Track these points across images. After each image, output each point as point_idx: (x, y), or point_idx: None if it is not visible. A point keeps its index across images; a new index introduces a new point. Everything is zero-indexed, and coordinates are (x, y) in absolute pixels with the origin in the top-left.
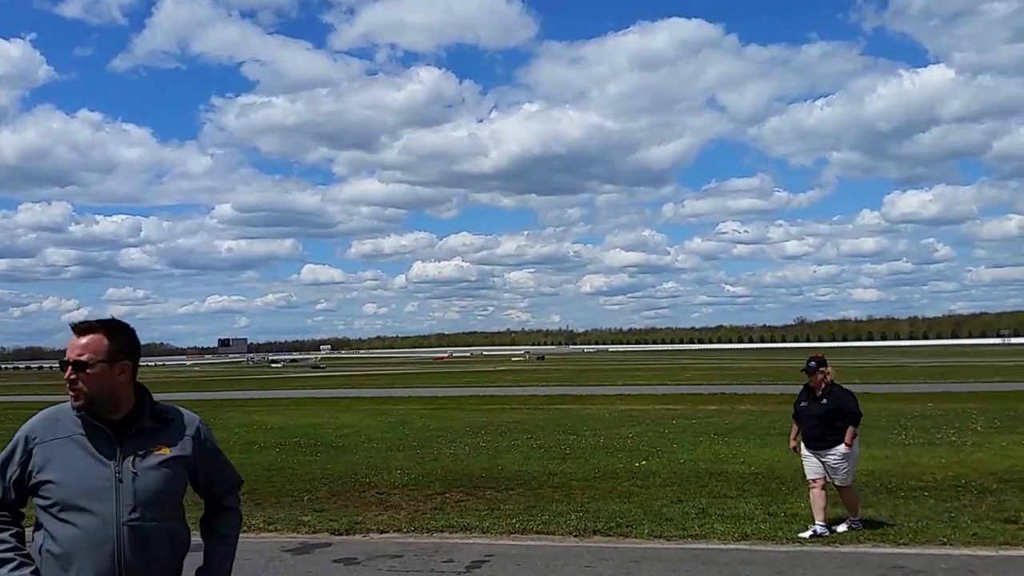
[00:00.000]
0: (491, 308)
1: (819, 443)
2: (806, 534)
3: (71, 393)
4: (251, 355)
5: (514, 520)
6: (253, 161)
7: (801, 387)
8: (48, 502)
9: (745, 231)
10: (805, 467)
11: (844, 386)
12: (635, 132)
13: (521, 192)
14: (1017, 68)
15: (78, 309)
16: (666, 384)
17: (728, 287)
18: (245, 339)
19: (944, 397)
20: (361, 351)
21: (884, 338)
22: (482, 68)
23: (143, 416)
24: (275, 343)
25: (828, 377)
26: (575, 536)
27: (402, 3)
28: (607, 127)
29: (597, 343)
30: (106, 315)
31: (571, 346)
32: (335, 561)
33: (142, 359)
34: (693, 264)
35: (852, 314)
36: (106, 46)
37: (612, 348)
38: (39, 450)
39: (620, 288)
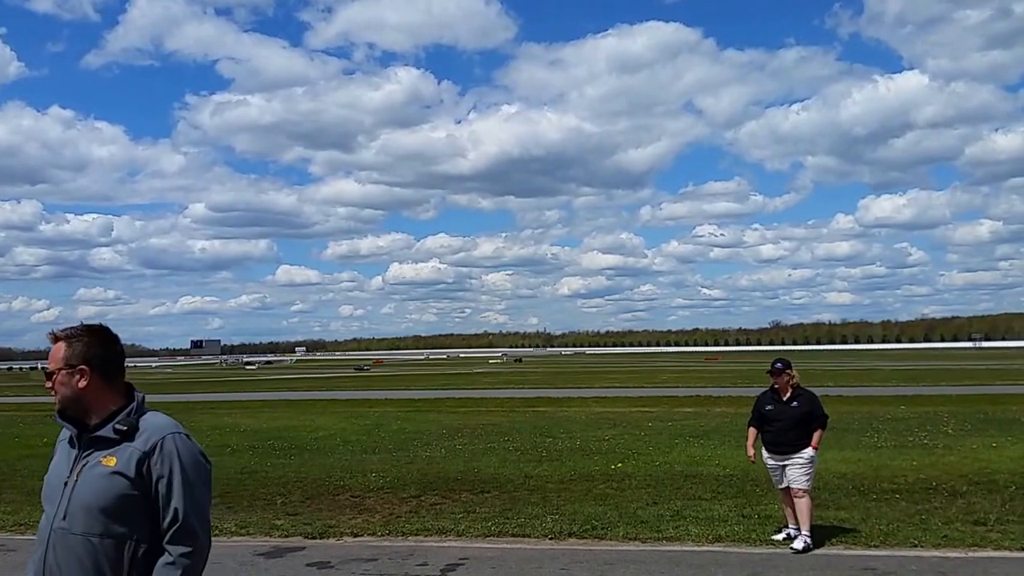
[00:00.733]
0: (468, 310)
1: (788, 447)
2: (779, 536)
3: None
4: (225, 357)
5: (489, 523)
6: (228, 160)
7: (764, 390)
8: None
9: (722, 234)
10: (772, 475)
11: (809, 388)
12: (613, 135)
13: (499, 194)
14: (989, 75)
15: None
16: (642, 387)
17: (705, 290)
18: (218, 340)
19: (916, 400)
20: (337, 353)
21: (857, 341)
22: (461, 69)
23: (107, 424)
24: (249, 345)
25: (794, 379)
26: (550, 539)
27: (380, 2)
28: (585, 129)
29: (574, 345)
30: (76, 315)
31: (548, 348)
32: (308, 565)
33: None
34: (670, 267)
35: (826, 317)
36: (78, 42)
37: (589, 351)
38: (54, 451)
39: (598, 291)
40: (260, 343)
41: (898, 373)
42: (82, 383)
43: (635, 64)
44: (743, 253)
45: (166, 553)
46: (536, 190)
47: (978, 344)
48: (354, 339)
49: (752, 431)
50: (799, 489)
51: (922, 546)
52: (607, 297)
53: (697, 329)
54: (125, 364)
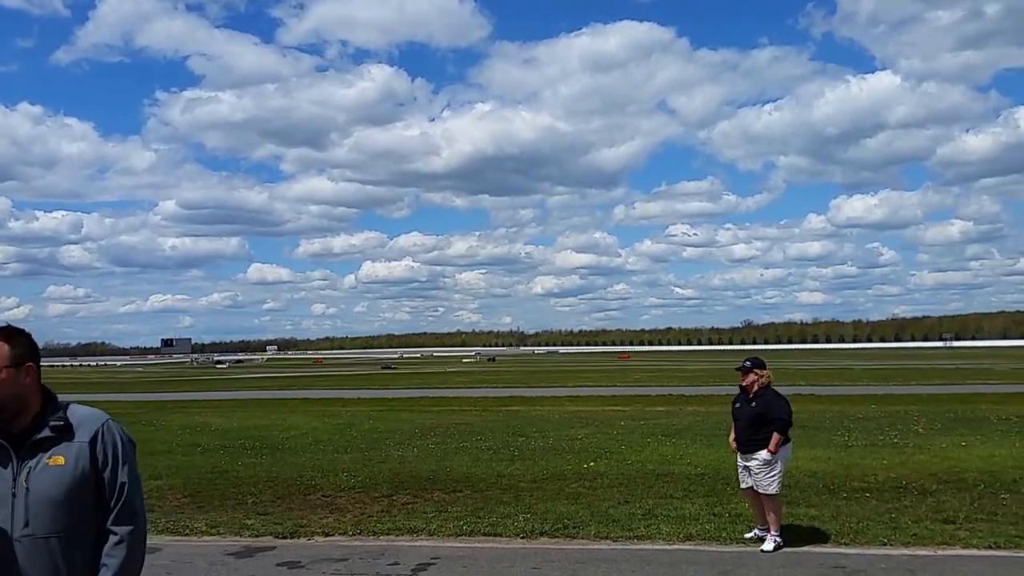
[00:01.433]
0: (442, 309)
1: (746, 447)
2: (749, 535)
3: None
4: (195, 356)
5: (461, 522)
6: (198, 157)
7: (739, 387)
8: None
9: (695, 234)
10: (738, 472)
11: (779, 391)
12: (587, 134)
13: (473, 192)
14: (961, 76)
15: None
16: (615, 386)
17: (678, 289)
18: (189, 339)
19: (887, 399)
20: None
21: (829, 340)
22: (434, 67)
23: (41, 425)
24: (221, 343)
25: (762, 380)
26: (522, 538)
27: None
28: (559, 128)
29: (548, 344)
30: (47, 313)
31: (521, 348)
32: (278, 565)
33: (86, 359)
34: (643, 266)
35: (798, 317)
36: (48, 38)
37: (563, 350)
38: None
39: (571, 290)
40: (231, 342)
41: (869, 372)
42: (29, 380)
43: (608, 63)
44: (716, 253)
45: (112, 534)
46: (510, 189)
47: (948, 344)
48: (326, 338)
49: (733, 426)
50: (761, 493)
51: (892, 544)
52: (580, 296)
53: (670, 328)
54: None
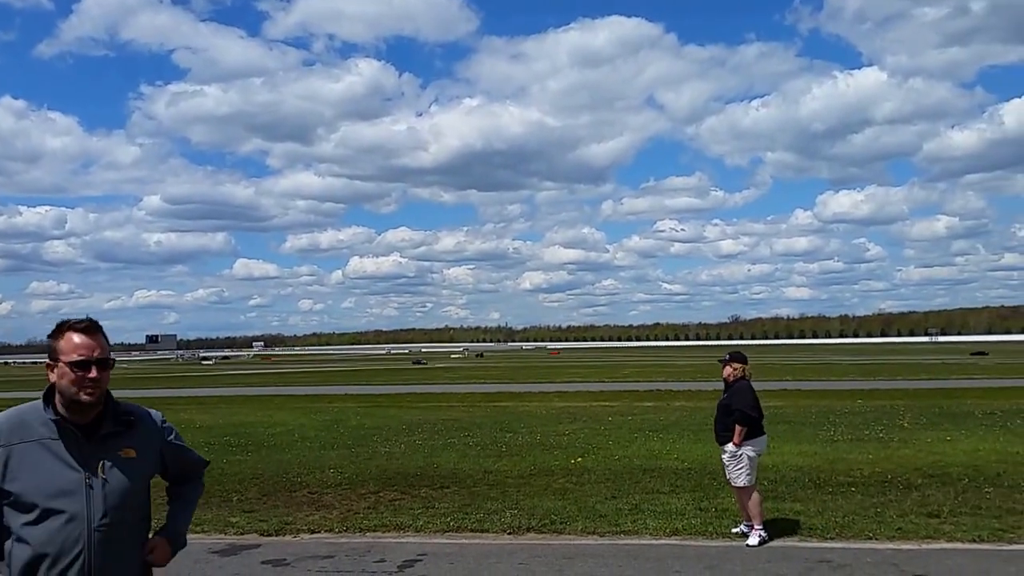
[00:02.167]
0: (430, 305)
1: (718, 438)
2: (736, 529)
3: (89, 392)
4: (181, 352)
5: (448, 518)
6: (183, 152)
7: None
8: (18, 509)
9: (682, 229)
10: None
11: (751, 385)
12: (575, 129)
13: (461, 188)
14: (947, 72)
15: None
16: (603, 381)
17: (665, 285)
18: (174, 335)
19: (873, 394)
20: (296, 348)
21: (815, 336)
22: (422, 61)
23: (108, 419)
24: (206, 339)
25: (737, 372)
26: (509, 534)
27: None
28: (548, 124)
29: (536, 340)
30: (29, 310)
31: (510, 343)
32: (263, 562)
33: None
34: (631, 262)
35: (785, 312)
36: (31, 31)
37: (551, 345)
38: (9, 453)
39: (559, 285)
40: (217, 338)
41: (855, 367)
42: (107, 375)
43: (597, 58)
44: (703, 248)
45: (196, 481)
46: (498, 184)
47: (934, 339)
48: (314, 334)
49: None
50: (733, 486)
51: (877, 538)
52: (569, 292)
53: (658, 324)
54: None
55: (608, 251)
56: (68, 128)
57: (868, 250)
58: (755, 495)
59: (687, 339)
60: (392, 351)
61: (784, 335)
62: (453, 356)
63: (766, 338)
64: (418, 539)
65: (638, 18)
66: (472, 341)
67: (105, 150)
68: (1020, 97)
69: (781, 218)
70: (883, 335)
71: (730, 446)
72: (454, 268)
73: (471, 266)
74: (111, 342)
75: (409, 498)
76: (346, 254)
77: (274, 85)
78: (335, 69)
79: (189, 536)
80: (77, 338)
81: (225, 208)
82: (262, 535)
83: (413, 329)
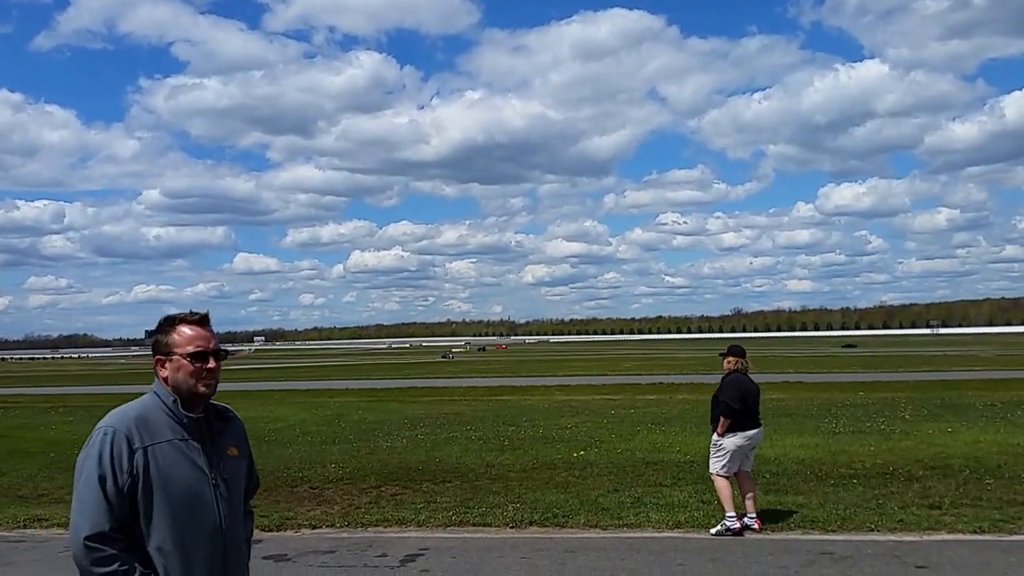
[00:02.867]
0: (432, 298)
1: (712, 426)
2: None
3: (206, 383)
4: None
5: (450, 513)
6: (183, 145)
7: None
8: (154, 510)
9: (685, 222)
10: None
11: (740, 377)
12: (577, 122)
13: (463, 181)
14: (948, 65)
15: None
16: (606, 374)
17: (668, 278)
18: None
19: (874, 386)
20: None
21: (817, 328)
22: (424, 54)
23: (212, 414)
24: None
25: (731, 365)
26: (512, 527)
27: None
28: (550, 116)
29: (538, 333)
30: (27, 305)
31: (512, 336)
32: (264, 558)
33: (68, 351)
34: (634, 255)
35: (787, 304)
36: (28, 24)
37: (553, 339)
38: (146, 454)
39: (562, 278)
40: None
41: (856, 359)
42: None
43: (599, 51)
44: (706, 241)
45: (249, 514)
46: (500, 177)
47: (935, 330)
48: (315, 328)
49: None
50: (710, 472)
51: (878, 530)
52: (571, 285)
53: (660, 317)
54: None
55: (610, 244)
56: (66, 121)
57: (870, 242)
58: (723, 484)
59: (689, 332)
60: (393, 345)
61: (786, 328)
62: (455, 350)
63: (768, 331)
64: (420, 533)
65: (640, 11)
66: (474, 335)
67: (104, 144)
68: (1021, 90)
69: (783, 211)
70: (885, 327)
71: (715, 435)
72: (456, 262)
73: (473, 260)
74: (109, 338)
75: (411, 492)
76: (347, 248)
77: (274, 78)
78: (336, 62)
79: None
80: (191, 331)
81: (225, 202)
82: (263, 530)
83: (415, 323)
